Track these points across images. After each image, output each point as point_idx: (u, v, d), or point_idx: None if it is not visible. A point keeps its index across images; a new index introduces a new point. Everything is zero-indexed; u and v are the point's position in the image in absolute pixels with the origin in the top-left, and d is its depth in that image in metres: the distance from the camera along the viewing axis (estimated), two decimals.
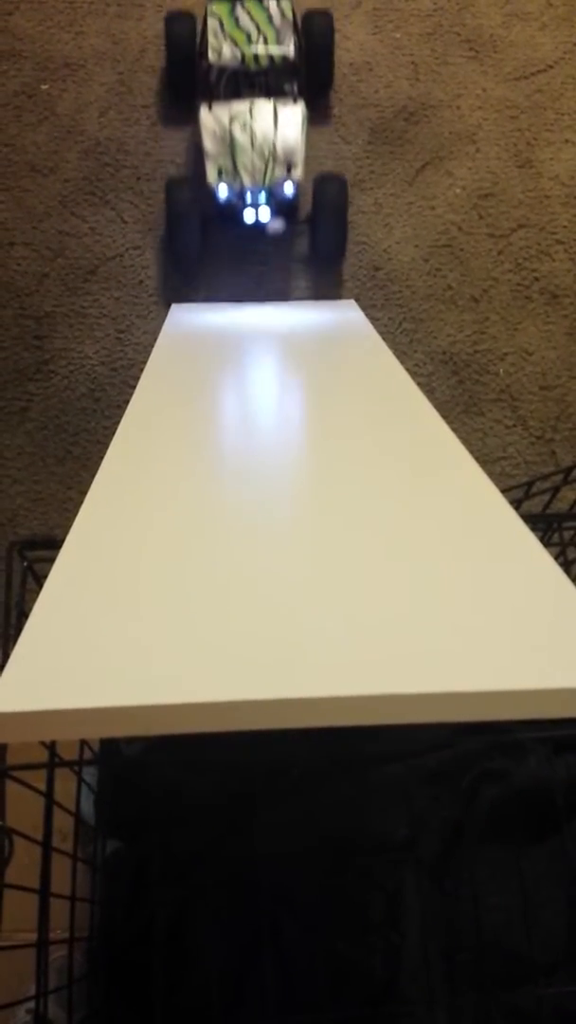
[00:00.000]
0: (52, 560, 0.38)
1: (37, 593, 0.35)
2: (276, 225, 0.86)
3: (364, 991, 0.54)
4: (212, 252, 0.94)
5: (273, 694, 0.29)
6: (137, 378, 0.62)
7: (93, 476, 0.46)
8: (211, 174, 0.82)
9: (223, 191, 0.83)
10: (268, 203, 0.83)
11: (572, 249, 0.96)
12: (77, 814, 0.58)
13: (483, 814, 0.58)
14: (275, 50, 0.83)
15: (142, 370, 0.64)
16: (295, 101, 0.83)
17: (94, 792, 0.63)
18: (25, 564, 0.48)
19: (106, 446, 0.49)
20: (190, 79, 0.89)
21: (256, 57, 0.83)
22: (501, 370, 0.94)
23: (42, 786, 0.49)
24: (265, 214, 0.84)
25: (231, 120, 0.81)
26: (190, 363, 0.68)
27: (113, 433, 0.52)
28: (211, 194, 0.84)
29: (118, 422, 0.54)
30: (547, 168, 0.97)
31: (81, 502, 0.42)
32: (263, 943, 0.53)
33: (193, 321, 0.82)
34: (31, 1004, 0.50)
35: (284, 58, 0.83)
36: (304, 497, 0.45)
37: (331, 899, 0.56)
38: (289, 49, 0.83)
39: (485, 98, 0.97)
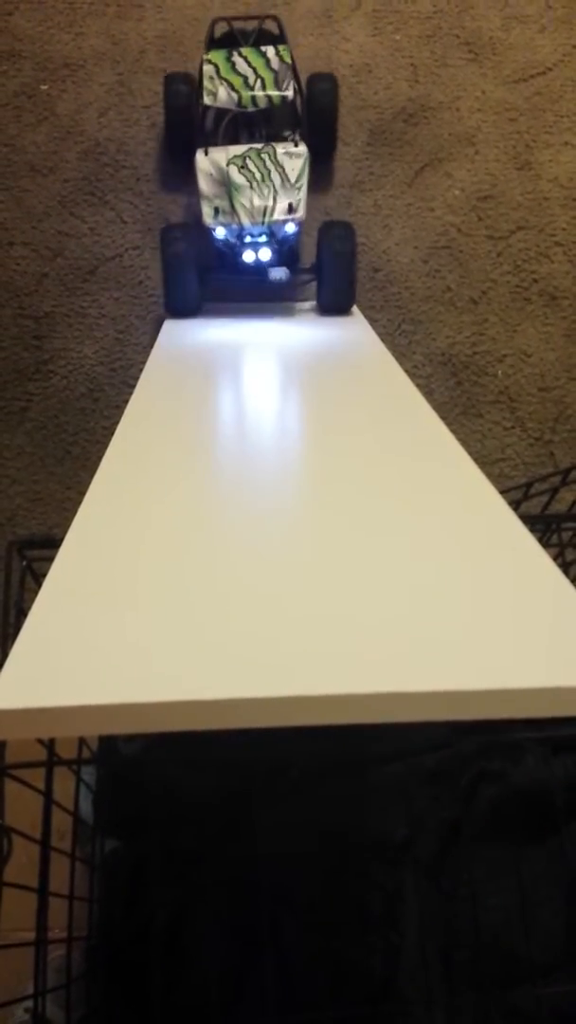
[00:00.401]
0: (51, 559, 0.38)
1: (36, 592, 0.35)
2: (279, 274, 0.82)
3: (363, 990, 0.54)
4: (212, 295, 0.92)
5: (271, 692, 0.29)
6: (136, 378, 0.62)
7: (92, 476, 0.46)
8: (207, 215, 0.78)
9: (220, 232, 0.79)
10: (269, 244, 0.80)
11: (571, 251, 0.96)
12: (76, 813, 0.58)
13: (481, 814, 0.58)
14: (273, 93, 0.80)
15: (141, 370, 0.64)
16: (296, 144, 0.78)
17: (92, 791, 0.63)
18: (24, 563, 0.48)
19: (105, 446, 0.49)
20: (188, 135, 0.85)
21: (254, 99, 0.80)
22: (500, 372, 0.94)
23: (40, 785, 0.49)
24: (266, 254, 0.80)
25: (228, 162, 0.77)
26: (189, 366, 0.68)
27: (112, 433, 0.52)
28: (209, 239, 0.81)
29: (117, 422, 0.54)
30: (546, 170, 0.97)
31: (80, 502, 0.42)
32: (262, 942, 0.53)
33: (189, 331, 0.80)
34: (29, 1003, 0.50)
35: (283, 99, 0.80)
36: (303, 497, 0.45)
37: (330, 898, 0.56)
38: (288, 92, 0.80)
39: (484, 100, 0.97)
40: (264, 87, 0.80)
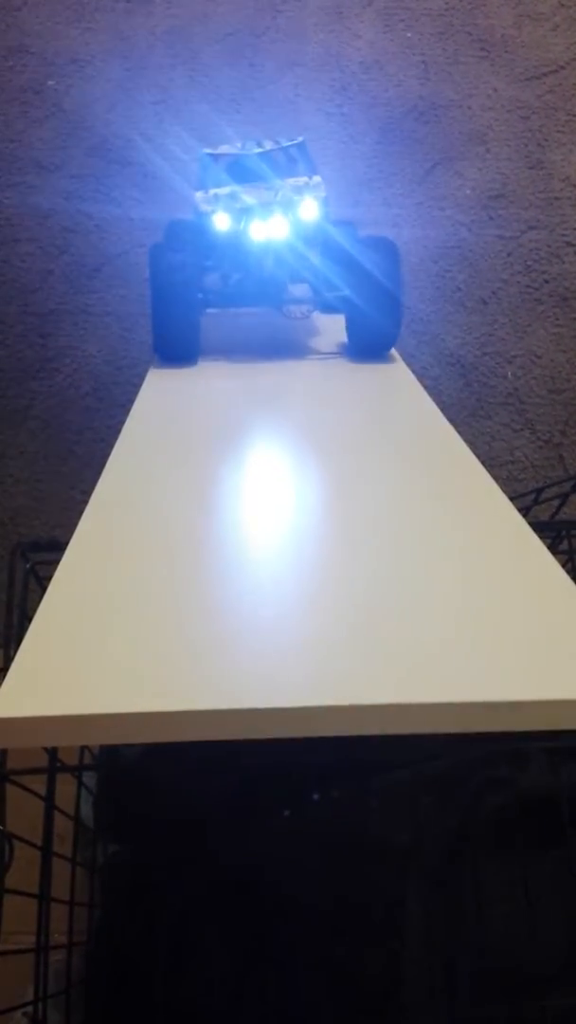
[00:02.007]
0: (55, 563, 0.37)
1: (39, 595, 0.35)
2: (300, 307, 0.65)
3: (364, 999, 0.54)
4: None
5: (276, 703, 0.29)
6: (141, 377, 0.62)
7: (96, 475, 0.46)
8: (203, 199, 0.64)
9: (222, 221, 0.63)
10: (284, 213, 0.63)
11: None
12: (77, 818, 0.57)
13: (487, 822, 0.58)
14: (284, 141, 0.69)
15: (146, 369, 0.63)
16: (310, 177, 0.65)
17: (93, 795, 0.62)
18: (28, 566, 0.47)
19: (109, 445, 0.49)
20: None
21: (260, 143, 0.69)
22: (509, 373, 0.94)
23: (39, 788, 0.49)
24: (280, 228, 0.63)
25: (232, 190, 0.64)
26: (193, 376, 0.66)
27: (116, 432, 0.52)
28: (203, 248, 0.65)
29: (121, 421, 0.53)
30: (558, 169, 0.96)
31: (83, 501, 0.42)
32: (263, 949, 0.53)
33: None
34: (29, 1008, 0.50)
35: (294, 144, 0.69)
36: (309, 504, 0.44)
37: (332, 905, 0.55)
38: (300, 139, 0.69)
39: (496, 98, 0.96)
40: (273, 143, 0.69)
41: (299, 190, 0.63)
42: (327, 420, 0.54)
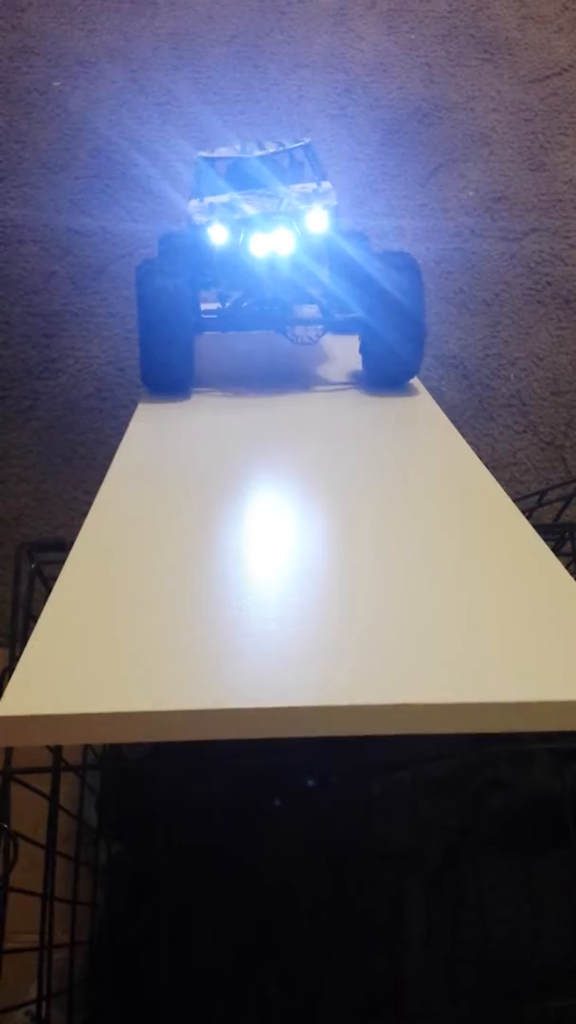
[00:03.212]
0: (60, 562, 0.38)
1: (44, 595, 0.35)
2: (308, 330, 0.58)
3: (366, 1000, 0.54)
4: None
5: (279, 703, 0.29)
6: None
7: (99, 476, 0.46)
8: (196, 209, 0.57)
9: (219, 234, 0.56)
10: (288, 225, 0.55)
11: None
12: (80, 817, 0.57)
13: (488, 823, 0.58)
14: (288, 142, 0.62)
15: None
16: (319, 183, 0.59)
17: (96, 794, 0.62)
18: (33, 566, 0.47)
19: (112, 446, 0.49)
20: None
21: (261, 144, 0.62)
22: (512, 375, 0.94)
23: (42, 788, 0.49)
24: (285, 242, 0.55)
25: (230, 199, 0.57)
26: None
27: (120, 433, 0.52)
28: (198, 274, 0.59)
29: (125, 422, 0.53)
30: (561, 172, 0.96)
31: (87, 502, 0.42)
32: (265, 949, 0.53)
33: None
34: (30, 1007, 0.50)
35: (299, 146, 0.62)
36: (317, 506, 0.44)
37: (334, 906, 0.55)
38: (306, 140, 0.63)
39: (499, 100, 0.97)
40: (277, 144, 0.62)
41: (306, 198, 0.56)
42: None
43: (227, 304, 0.59)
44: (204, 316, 0.59)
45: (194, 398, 0.59)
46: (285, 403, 0.57)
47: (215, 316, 0.59)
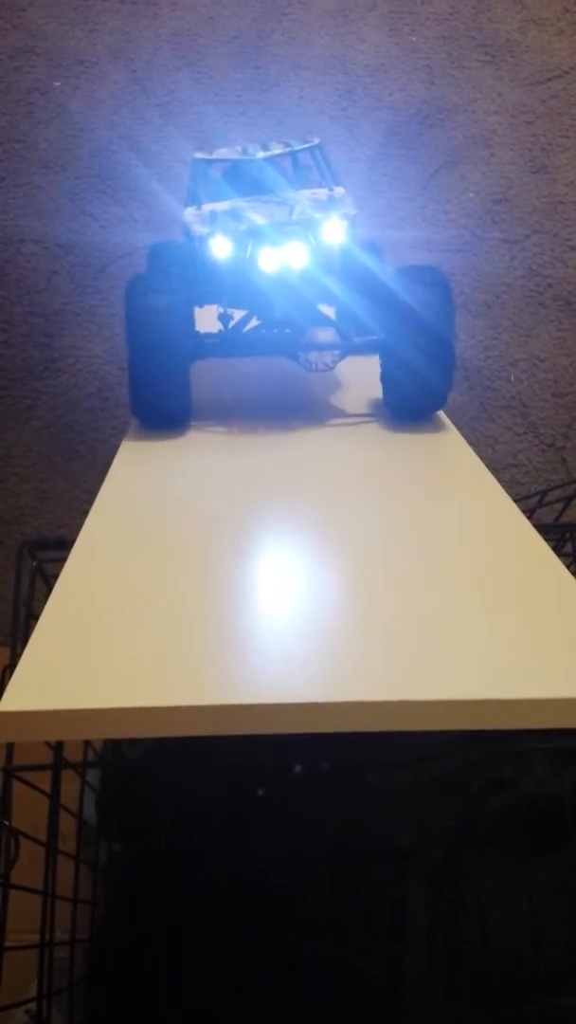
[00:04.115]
0: (61, 560, 0.38)
1: (46, 592, 0.35)
2: (323, 356, 0.52)
3: (366, 999, 0.54)
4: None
5: (279, 699, 0.29)
6: None
7: (100, 475, 0.46)
8: (195, 218, 0.51)
9: (222, 247, 0.49)
10: (301, 237, 0.49)
11: None
12: (80, 815, 0.57)
13: (489, 823, 0.58)
14: (296, 143, 0.56)
15: None
16: (331, 188, 0.53)
17: (96, 793, 0.62)
18: (35, 564, 0.47)
19: (113, 445, 0.49)
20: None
21: (266, 146, 0.56)
22: (512, 377, 0.94)
23: (43, 786, 0.49)
24: (298, 255, 0.49)
25: (233, 206, 0.51)
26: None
27: (121, 433, 0.52)
28: (197, 290, 0.52)
29: (126, 421, 0.53)
30: (562, 174, 0.96)
31: (88, 501, 0.42)
32: (266, 949, 0.53)
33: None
34: (30, 1005, 0.50)
35: (308, 147, 0.56)
36: (317, 504, 0.45)
37: (334, 906, 0.55)
38: (316, 140, 0.56)
39: (500, 103, 0.97)
40: (283, 145, 0.56)
41: (321, 206, 0.51)
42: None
43: (230, 325, 0.52)
44: (204, 339, 0.52)
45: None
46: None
47: (216, 340, 0.52)
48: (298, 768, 0.58)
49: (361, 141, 0.96)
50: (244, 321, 0.53)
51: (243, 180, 0.54)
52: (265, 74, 0.94)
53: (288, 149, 0.55)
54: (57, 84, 0.95)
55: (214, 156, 0.56)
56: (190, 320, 0.52)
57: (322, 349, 0.52)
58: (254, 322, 0.53)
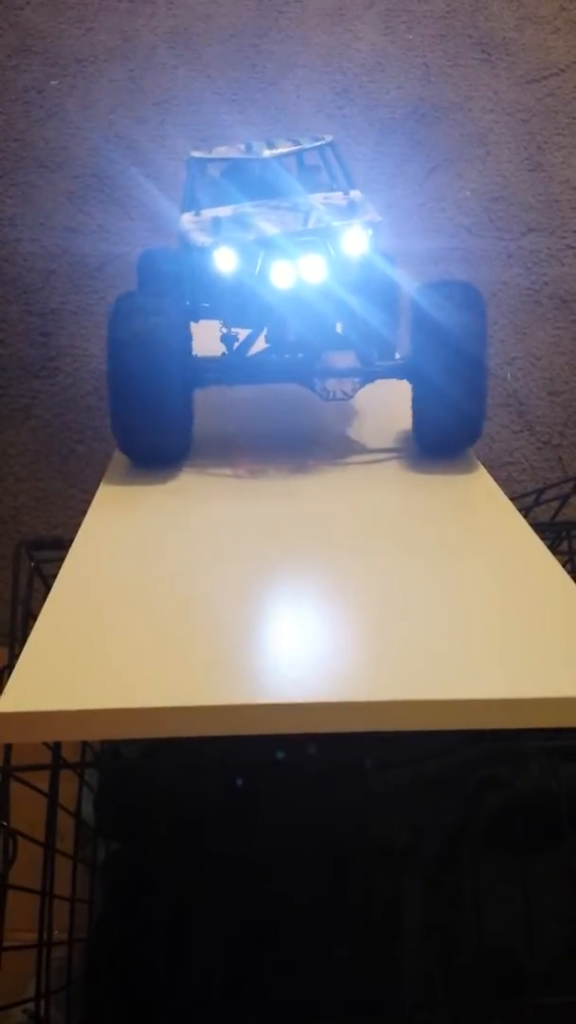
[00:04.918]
0: (59, 560, 0.38)
1: (43, 592, 0.35)
2: (342, 383, 0.45)
3: (363, 998, 0.54)
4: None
5: (276, 699, 0.29)
6: None
7: (97, 474, 0.46)
8: (197, 235, 0.44)
9: (226, 260, 0.43)
10: (319, 248, 0.43)
11: None
12: (78, 815, 0.58)
13: (485, 821, 0.58)
14: (306, 140, 0.50)
15: None
16: (346, 192, 0.49)
17: (94, 793, 0.63)
18: (32, 564, 0.48)
19: (111, 445, 0.49)
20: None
21: (271, 143, 0.50)
22: (508, 375, 0.94)
23: (40, 786, 0.49)
24: (315, 269, 0.43)
25: (237, 212, 0.46)
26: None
27: None
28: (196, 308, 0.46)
29: None
30: (558, 172, 0.96)
31: (85, 500, 0.42)
32: (262, 947, 0.53)
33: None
34: (28, 1005, 0.50)
35: (320, 144, 0.50)
36: (314, 507, 0.44)
37: (331, 904, 0.55)
38: (328, 137, 0.51)
39: (497, 101, 0.97)
40: (291, 143, 0.50)
41: (340, 212, 0.45)
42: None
43: (234, 347, 0.46)
44: (203, 364, 0.46)
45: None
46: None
47: (218, 365, 0.46)
48: (294, 767, 0.58)
49: (357, 139, 0.96)
50: (249, 341, 0.46)
51: (247, 181, 0.48)
52: (262, 72, 0.94)
53: (298, 147, 0.49)
54: (54, 83, 0.95)
55: (213, 155, 0.50)
56: (186, 342, 0.45)
57: (341, 376, 0.45)
58: (261, 342, 0.46)
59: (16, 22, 0.95)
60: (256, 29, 0.93)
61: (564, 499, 0.66)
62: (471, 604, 0.35)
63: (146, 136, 0.95)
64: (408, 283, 0.47)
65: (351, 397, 0.46)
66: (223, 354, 0.46)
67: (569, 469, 0.93)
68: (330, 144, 0.50)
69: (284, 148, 0.49)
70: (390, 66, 0.97)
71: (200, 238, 0.44)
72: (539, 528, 0.42)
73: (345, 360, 0.45)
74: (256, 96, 0.94)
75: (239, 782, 0.58)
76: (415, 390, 0.46)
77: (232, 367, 0.46)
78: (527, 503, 0.66)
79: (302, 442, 0.51)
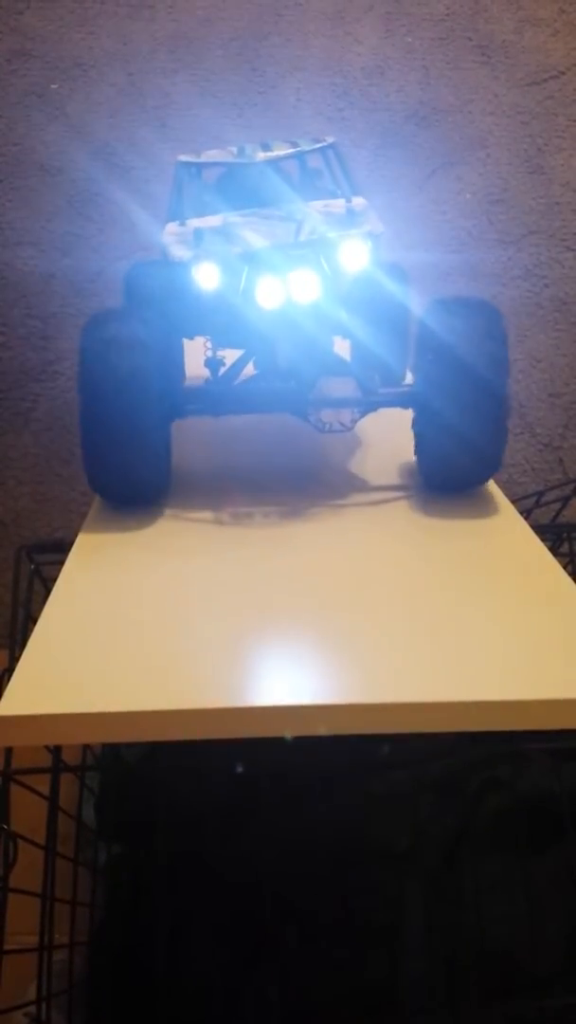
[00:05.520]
0: (59, 563, 0.38)
1: (43, 595, 0.35)
2: (339, 414, 0.40)
3: (364, 999, 0.54)
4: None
5: (277, 702, 0.29)
6: None
7: None
8: (178, 248, 0.40)
9: (208, 276, 0.39)
10: (311, 262, 0.38)
11: None
12: (79, 818, 0.58)
13: (486, 823, 0.58)
14: (305, 143, 0.46)
15: None
16: (348, 199, 0.43)
17: (95, 796, 0.63)
18: (32, 567, 0.48)
19: None
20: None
21: (267, 146, 0.46)
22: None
23: (41, 789, 0.49)
24: (308, 286, 0.38)
25: (224, 222, 0.41)
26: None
27: None
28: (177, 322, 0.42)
29: None
30: (558, 175, 0.96)
31: (86, 503, 0.42)
32: (264, 950, 0.53)
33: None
34: (29, 1008, 0.50)
35: (319, 147, 0.46)
36: (317, 509, 0.45)
37: (332, 906, 0.55)
38: (329, 139, 0.47)
39: (497, 103, 0.97)
40: (288, 146, 0.46)
41: (338, 222, 0.40)
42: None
43: (220, 373, 0.42)
44: (185, 393, 0.42)
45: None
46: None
47: (202, 394, 0.42)
48: (297, 769, 0.58)
49: (357, 142, 0.96)
50: (237, 368, 0.42)
51: (239, 189, 0.44)
52: (262, 76, 0.94)
53: (295, 149, 0.45)
54: (54, 87, 0.95)
55: (203, 159, 0.46)
56: (170, 369, 0.41)
57: (338, 406, 0.40)
58: (251, 367, 0.42)
59: (16, 26, 0.95)
60: (256, 32, 0.94)
61: (565, 501, 0.66)
62: (472, 606, 0.35)
63: (146, 139, 0.95)
64: (414, 301, 0.42)
65: (349, 429, 0.41)
66: (206, 380, 0.42)
67: (570, 471, 0.93)
68: (331, 146, 0.46)
69: (281, 151, 0.45)
70: (390, 69, 0.97)
71: (180, 251, 0.40)
72: (540, 530, 0.42)
73: (343, 388, 0.41)
74: (256, 99, 0.95)
75: (257, 794, 0.58)
76: (420, 424, 0.42)
77: (216, 397, 0.41)
78: (528, 505, 0.67)
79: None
